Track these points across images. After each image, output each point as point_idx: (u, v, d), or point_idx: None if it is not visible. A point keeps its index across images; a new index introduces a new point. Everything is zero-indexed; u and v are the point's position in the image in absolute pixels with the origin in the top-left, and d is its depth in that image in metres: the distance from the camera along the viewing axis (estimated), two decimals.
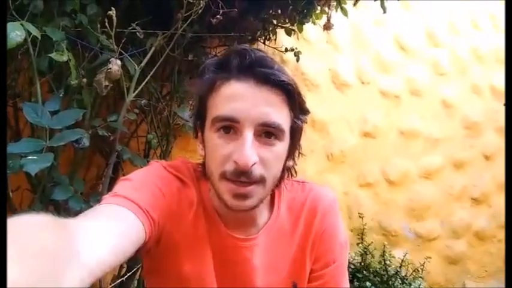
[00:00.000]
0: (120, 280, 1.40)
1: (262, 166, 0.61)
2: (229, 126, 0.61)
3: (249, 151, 0.58)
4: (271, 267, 0.72)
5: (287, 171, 0.70)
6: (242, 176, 0.59)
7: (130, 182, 0.64)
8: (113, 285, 1.41)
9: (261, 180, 0.61)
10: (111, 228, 0.51)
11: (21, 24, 0.86)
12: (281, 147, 0.63)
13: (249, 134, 0.59)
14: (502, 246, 2.66)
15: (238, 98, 0.61)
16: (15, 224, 0.35)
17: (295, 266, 0.73)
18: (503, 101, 2.52)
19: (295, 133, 0.67)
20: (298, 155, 0.72)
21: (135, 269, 1.45)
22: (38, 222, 0.38)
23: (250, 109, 0.60)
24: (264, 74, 0.61)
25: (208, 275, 0.69)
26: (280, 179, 0.68)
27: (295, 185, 0.76)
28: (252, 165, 0.59)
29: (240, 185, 0.60)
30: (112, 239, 0.48)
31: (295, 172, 0.73)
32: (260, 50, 0.65)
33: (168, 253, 0.68)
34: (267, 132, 0.61)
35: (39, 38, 0.92)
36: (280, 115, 0.62)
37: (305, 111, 0.68)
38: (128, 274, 1.42)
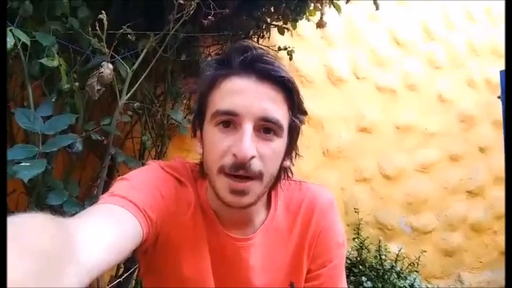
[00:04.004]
0: (117, 280, 1.41)
1: (261, 161, 0.61)
2: (229, 121, 0.61)
3: (248, 144, 0.59)
4: (268, 267, 0.72)
5: (284, 171, 0.70)
6: (240, 169, 0.59)
7: (128, 182, 0.64)
8: (110, 285, 1.41)
9: (259, 176, 0.61)
10: (108, 227, 0.51)
11: (10, 31, 0.86)
12: (279, 143, 0.64)
13: (248, 128, 0.60)
14: (497, 237, 2.69)
15: (239, 92, 0.62)
16: (15, 223, 0.35)
17: (293, 266, 0.74)
18: (498, 94, 2.53)
19: (293, 132, 0.68)
20: (295, 156, 0.72)
21: (132, 269, 1.46)
22: (38, 222, 0.38)
23: (250, 103, 0.61)
24: (266, 70, 0.62)
25: (206, 275, 0.70)
26: (277, 178, 0.68)
27: (292, 185, 0.77)
28: (250, 158, 0.59)
29: (237, 181, 0.60)
30: (109, 238, 0.49)
31: (292, 173, 0.73)
32: (261, 47, 0.67)
33: (166, 253, 0.68)
34: (265, 128, 0.62)
35: (29, 44, 0.91)
36: (279, 112, 0.63)
37: (303, 112, 0.69)
38: (126, 274, 1.43)
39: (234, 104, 0.61)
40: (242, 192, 0.61)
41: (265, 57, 0.63)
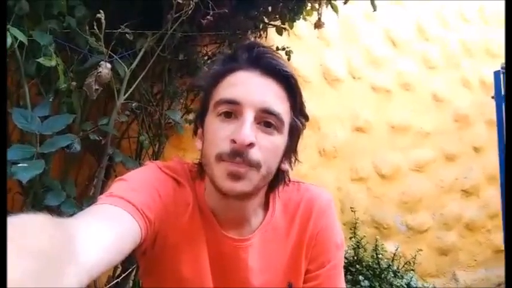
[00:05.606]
0: (115, 281, 1.40)
1: (259, 152, 0.61)
2: (230, 112, 0.62)
3: (248, 130, 0.59)
4: (266, 268, 0.72)
5: (282, 175, 0.70)
6: (238, 156, 0.59)
7: (126, 182, 0.64)
8: (108, 286, 1.41)
9: (256, 167, 0.61)
10: (107, 228, 0.51)
11: (7, 29, 0.85)
12: (279, 139, 0.64)
13: (249, 116, 0.60)
14: (491, 236, 2.72)
15: (242, 84, 0.63)
16: (13, 224, 0.35)
17: (291, 266, 0.74)
18: (492, 93, 2.55)
19: (294, 133, 0.68)
20: (295, 161, 0.72)
21: (130, 270, 1.45)
22: (36, 223, 0.38)
23: (253, 93, 0.61)
24: (271, 65, 0.63)
25: (205, 275, 0.70)
26: (275, 179, 0.68)
27: (290, 185, 0.76)
28: (249, 144, 0.59)
29: (235, 165, 0.60)
30: (108, 239, 0.49)
31: (289, 179, 0.73)
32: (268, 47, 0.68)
33: (164, 254, 0.68)
34: (267, 121, 0.62)
35: (26, 43, 0.91)
36: (281, 106, 0.63)
37: (305, 114, 0.70)
38: (123, 275, 1.42)
39: (236, 94, 0.61)
40: (238, 177, 0.60)
41: (270, 53, 0.65)
